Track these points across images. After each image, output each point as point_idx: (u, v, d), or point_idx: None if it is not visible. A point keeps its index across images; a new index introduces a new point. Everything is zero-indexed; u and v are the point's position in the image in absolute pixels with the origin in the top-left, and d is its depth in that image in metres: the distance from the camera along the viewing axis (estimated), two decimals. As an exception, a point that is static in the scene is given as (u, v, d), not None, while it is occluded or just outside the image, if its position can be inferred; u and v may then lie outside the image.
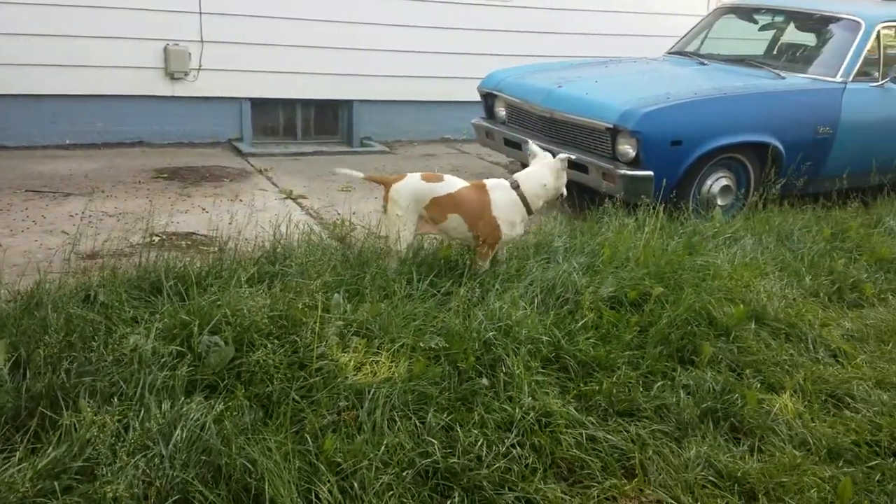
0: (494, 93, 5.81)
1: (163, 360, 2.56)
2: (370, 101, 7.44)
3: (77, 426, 2.18)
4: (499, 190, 3.64)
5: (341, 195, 5.47)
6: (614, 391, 2.82)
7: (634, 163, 4.64)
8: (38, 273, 3.15)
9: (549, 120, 5.18)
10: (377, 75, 7.28)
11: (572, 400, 2.76)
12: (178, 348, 2.67)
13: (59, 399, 2.30)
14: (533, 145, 3.91)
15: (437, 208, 3.56)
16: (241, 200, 5.14)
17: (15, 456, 2.10)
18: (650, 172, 4.59)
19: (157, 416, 2.26)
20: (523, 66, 6.05)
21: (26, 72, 5.99)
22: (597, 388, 2.84)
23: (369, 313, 3.06)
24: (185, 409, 2.33)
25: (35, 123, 6.17)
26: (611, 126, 4.66)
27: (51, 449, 2.11)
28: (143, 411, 2.29)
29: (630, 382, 2.90)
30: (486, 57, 7.16)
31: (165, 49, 6.41)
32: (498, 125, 5.84)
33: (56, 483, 2.00)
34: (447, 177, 3.67)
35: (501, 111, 5.82)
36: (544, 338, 3.05)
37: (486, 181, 3.72)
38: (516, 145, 5.56)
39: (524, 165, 6.02)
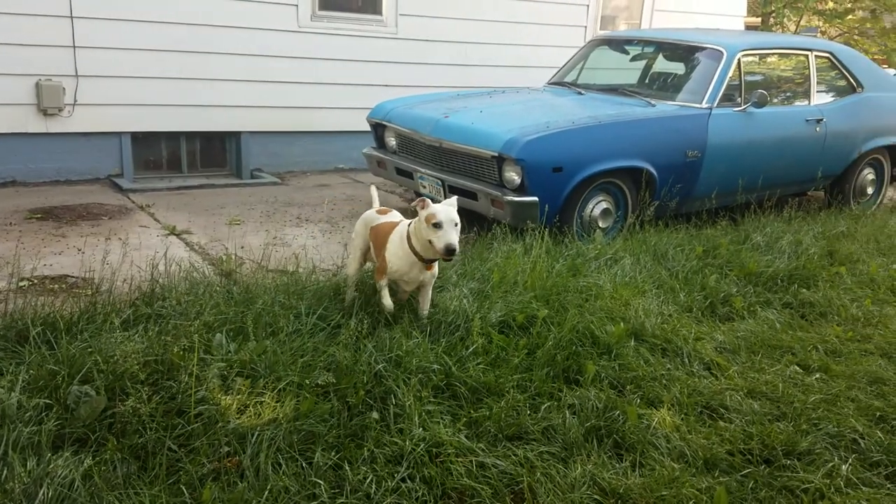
0: (384, 123, 5.85)
1: (28, 414, 2.40)
2: (260, 133, 7.33)
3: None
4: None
5: (229, 229, 5.34)
6: (503, 416, 2.85)
7: (520, 189, 4.77)
8: None
9: (438, 149, 5.27)
10: (266, 106, 7.19)
11: (463, 427, 2.77)
12: (46, 401, 2.52)
13: None
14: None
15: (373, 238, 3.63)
16: (119, 239, 4.92)
17: None
18: (535, 198, 4.73)
19: (22, 475, 2.12)
20: (411, 97, 6.13)
21: None
22: (486, 413, 2.86)
23: (254, 352, 2.98)
24: (51, 466, 2.19)
25: None
26: (496, 154, 4.78)
27: None
28: (5, 471, 2.13)
29: (518, 406, 2.93)
30: (376, 88, 7.21)
31: (38, 84, 6.09)
32: (389, 154, 5.88)
33: None
34: (392, 211, 3.75)
35: (392, 141, 5.87)
36: (435, 366, 3.06)
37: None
38: (408, 174, 5.61)
39: (417, 194, 6.10)
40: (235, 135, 7.28)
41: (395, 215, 3.71)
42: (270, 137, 7.39)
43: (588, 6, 8.91)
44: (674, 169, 5.30)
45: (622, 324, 3.58)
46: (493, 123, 5.07)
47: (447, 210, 3.20)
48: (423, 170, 5.41)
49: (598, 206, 5.16)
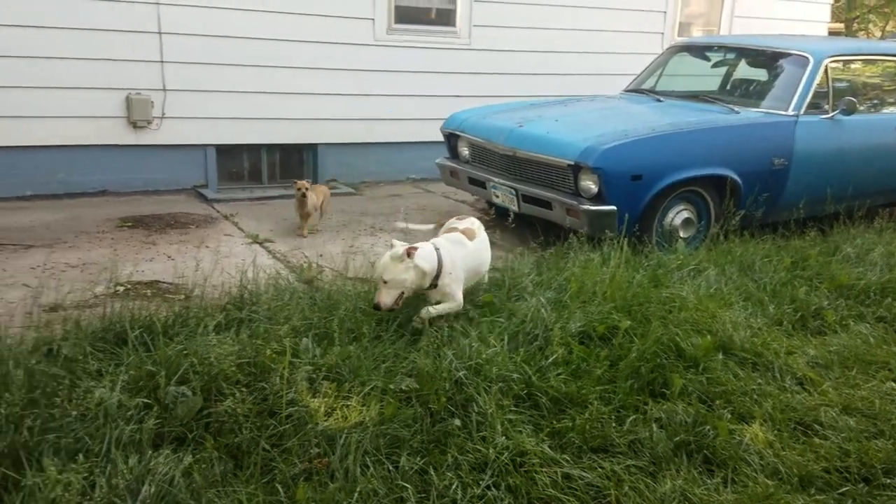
0: (457, 133, 5.89)
1: (129, 413, 2.50)
2: (335, 144, 7.48)
3: (41, 486, 2.11)
4: None
5: (308, 238, 5.47)
6: (587, 427, 2.82)
7: (597, 198, 4.72)
8: (-3, 328, 3.08)
9: (512, 158, 5.27)
10: (341, 118, 7.34)
11: (546, 438, 2.76)
12: (145, 400, 2.62)
13: (22, 458, 2.23)
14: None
15: None
16: (207, 247, 5.10)
17: (-26, 520, 2.03)
18: (613, 207, 4.67)
19: (125, 471, 2.21)
20: (484, 107, 6.15)
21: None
22: (570, 424, 2.84)
23: (338, 356, 3.04)
24: (152, 463, 2.28)
25: (-7, 176, 6.08)
26: (572, 163, 4.75)
27: (12, 511, 2.04)
28: (109, 467, 2.23)
29: (603, 418, 2.90)
30: (449, 98, 7.27)
31: (128, 98, 6.38)
32: (462, 164, 5.92)
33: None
34: (469, 218, 3.91)
35: (465, 151, 5.91)
36: (515, 375, 3.06)
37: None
38: (480, 184, 5.63)
39: (489, 203, 6.11)
40: (312, 146, 7.45)
41: (472, 222, 3.74)
42: (345, 148, 7.54)
43: (665, 13, 8.78)
44: (759, 177, 5.15)
45: (709, 336, 3.49)
46: (570, 132, 5.05)
47: (379, 267, 3.33)
48: (496, 179, 5.43)
49: (678, 215, 5.05)
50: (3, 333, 2.99)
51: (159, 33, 6.34)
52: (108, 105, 6.33)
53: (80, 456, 2.27)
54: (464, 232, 3.67)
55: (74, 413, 2.44)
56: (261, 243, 5.34)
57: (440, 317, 3.45)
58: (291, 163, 7.56)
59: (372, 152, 7.67)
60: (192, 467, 2.30)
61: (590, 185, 4.72)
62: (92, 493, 2.12)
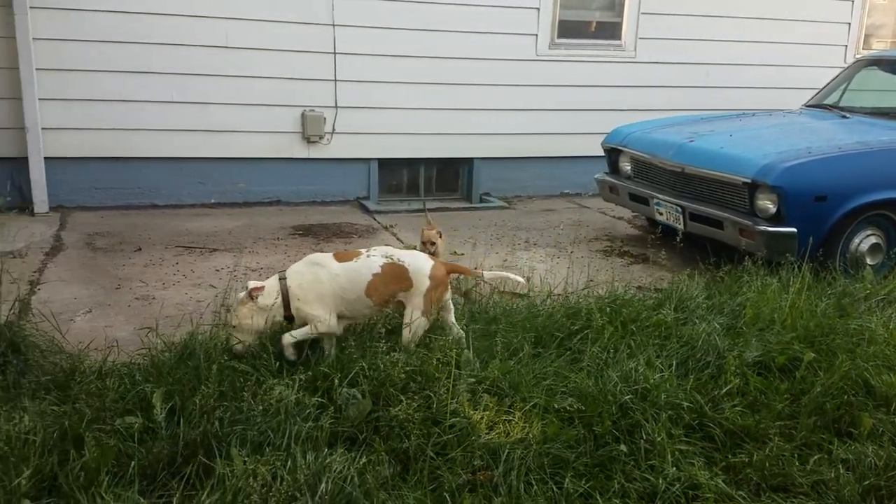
0: (619, 148, 5.76)
1: (307, 411, 2.63)
2: (490, 158, 7.56)
3: (230, 474, 2.27)
4: None
5: (464, 250, 5.54)
6: (767, 464, 2.64)
7: (775, 219, 4.43)
8: (190, 325, 3.35)
9: (680, 175, 5.06)
10: (498, 133, 7.41)
11: (720, 472, 2.62)
12: (320, 399, 2.75)
13: (214, 447, 2.41)
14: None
15: None
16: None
17: (172, 502, 2.21)
18: (793, 229, 4.36)
19: (303, 466, 2.32)
20: (650, 121, 5.98)
21: (178, 137, 6.52)
22: (746, 459, 2.68)
23: (499, 371, 3.04)
24: (328, 460, 2.38)
25: (184, 184, 6.67)
26: (748, 181, 4.49)
27: (205, 496, 2.20)
28: (289, 461, 2.35)
29: (783, 455, 2.71)
30: (608, 112, 7.13)
31: (303, 115, 6.80)
32: (623, 180, 5.77)
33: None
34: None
35: (626, 166, 5.76)
36: (685, 403, 2.92)
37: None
38: (643, 200, 5.46)
39: (649, 220, 5.91)
40: (468, 161, 7.58)
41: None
42: (500, 163, 7.60)
43: (850, 24, 8.14)
44: (959, 202, 4.62)
45: (904, 374, 3.15)
46: (746, 148, 4.78)
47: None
48: (660, 196, 5.24)
49: (865, 240, 4.64)
50: (195, 330, 3.26)
51: (334, 53, 6.72)
52: (285, 121, 6.79)
53: (266, 448, 2.41)
54: (339, 255, 3.33)
55: (259, 408, 2.59)
56: (419, 254, 5.47)
57: (305, 341, 3.18)
58: (447, 176, 7.73)
59: (527, 166, 7.68)
60: (365, 468, 2.38)
61: (767, 204, 4.44)
62: (274, 485, 2.24)
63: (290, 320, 3.16)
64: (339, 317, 3.20)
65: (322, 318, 3.11)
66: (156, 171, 6.57)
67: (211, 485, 2.26)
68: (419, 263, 3.27)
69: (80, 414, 2.57)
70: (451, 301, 3.41)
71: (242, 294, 3.11)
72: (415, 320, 3.20)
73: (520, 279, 3.68)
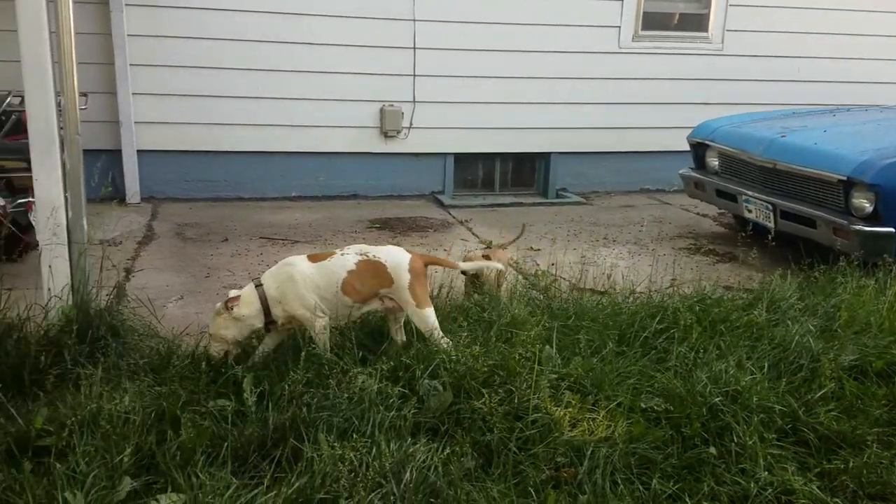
0: (706, 142, 5.60)
1: (391, 400, 2.66)
2: (568, 153, 7.48)
3: (318, 458, 2.31)
4: None
5: (540, 246, 5.50)
6: (864, 471, 2.53)
7: (872, 218, 4.23)
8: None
9: (771, 171, 4.89)
10: (576, 128, 7.33)
11: (814, 478, 2.52)
12: (402, 390, 2.78)
13: (302, 431, 2.46)
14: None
15: None
16: (444, 250, 5.32)
17: (263, 483, 2.27)
18: (891, 229, 4.16)
19: (388, 454, 2.35)
20: (739, 115, 5.82)
21: (262, 131, 6.70)
22: (842, 466, 2.58)
23: (582, 368, 3.00)
24: (411, 449, 2.40)
25: (267, 177, 6.86)
26: (844, 178, 4.30)
27: (294, 478, 2.25)
28: (374, 449, 2.38)
29: (881, 463, 2.60)
30: (693, 106, 6.96)
31: (382, 110, 6.89)
32: (709, 176, 5.61)
33: (301, 512, 2.13)
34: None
35: (713, 161, 5.60)
36: (778, 407, 2.82)
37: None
38: (730, 197, 5.29)
39: (736, 218, 5.72)
40: (545, 155, 7.51)
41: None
42: (578, 158, 7.50)
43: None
44: None
45: None
46: (841, 144, 4.58)
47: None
48: (749, 193, 5.07)
49: (973, 242, 4.36)
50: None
51: (413, 48, 6.77)
52: (364, 116, 6.89)
53: (352, 435, 2.45)
54: (313, 256, 3.24)
55: (345, 395, 2.64)
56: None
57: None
58: (523, 171, 7.69)
59: (605, 161, 7.56)
60: (450, 458, 2.39)
61: (864, 203, 4.24)
62: (360, 471, 2.28)
63: (270, 327, 3.12)
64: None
65: (307, 315, 3.08)
66: (241, 164, 6.78)
67: (300, 468, 2.32)
68: (396, 258, 3.20)
69: (175, 395, 2.68)
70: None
71: (219, 304, 3.08)
72: (424, 315, 3.15)
73: (498, 265, 3.62)
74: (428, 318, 3.16)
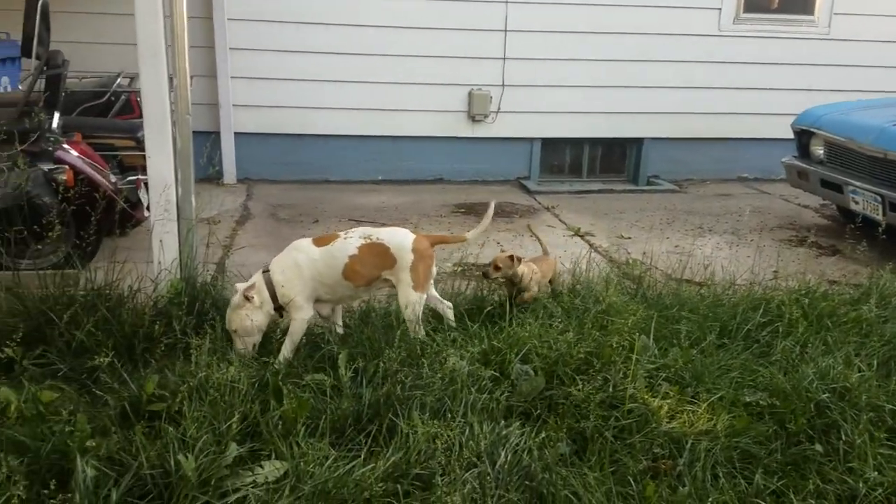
0: (812, 130, 5.35)
1: (483, 383, 2.67)
2: (661, 139, 7.27)
3: (412, 435, 2.34)
4: None
5: (631, 233, 5.37)
6: None
7: None
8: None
9: (882, 161, 4.62)
10: (671, 112, 7.12)
11: (928, 480, 2.37)
12: (494, 373, 2.77)
13: (397, 408, 2.50)
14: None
15: None
16: (530, 237, 5.27)
17: (360, 456, 2.31)
18: None
19: (481, 435, 2.35)
20: (847, 103, 5.53)
21: (350, 115, 6.81)
22: (959, 470, 2.41)
23: (681, 359, 2.92)
24: (504, 432, 2.40)
25: (355, 160, 6.96)
26: (964, 168, 4.00)
27: (390, 453, 2.29)
28: (467, 429, 2.39)
29: None
30: (796, 92, 6.65)
31: (470, 94, 6.87)
32: (814, 165, 5.35)
33: (398, 486, 2.16)
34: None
35: (819, 150, 5.33)
36: (888, 406, 2.68)
37: None
38: (836, 187, 5.04)
39: (840, 209, 5.43)
40: (637, 141, 7.33)
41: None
42: (672, 144, 7.29)
43: None
44: None
45: None
46: (960, 133, 4.26)
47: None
48: (857, 183, 4.81)
49: None
50: (371, 299, 3.39)
51: (504, 31, 6.71)
52: (452, 100, 6.89)
53: (447, 414, 2.47)
54: (319, 240, 3.17)
55: (438, 376, 2.66)
56: (582, 236, 5.39)
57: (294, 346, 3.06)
58: (613, 157, 7.53)
59: (701, 148, 7.32)
60: (543, 442, 2.37)
61: None
62: (454, 450, 2.29)
63: (280, 311, 3.10)
64: (318, 300, 3.15)
65: (300, 304, 3.04)
66: (329, 147, 6.91)
67: (395, 443, 2.35)
68: (399, 239, 3.15)
69: (275, 368, 2.76)
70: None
71: (236, 298, 3.02)
72: (411, 298, 3.09)
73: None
74: (418, 304, 3.11)
